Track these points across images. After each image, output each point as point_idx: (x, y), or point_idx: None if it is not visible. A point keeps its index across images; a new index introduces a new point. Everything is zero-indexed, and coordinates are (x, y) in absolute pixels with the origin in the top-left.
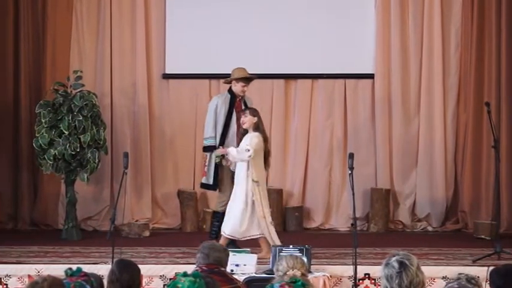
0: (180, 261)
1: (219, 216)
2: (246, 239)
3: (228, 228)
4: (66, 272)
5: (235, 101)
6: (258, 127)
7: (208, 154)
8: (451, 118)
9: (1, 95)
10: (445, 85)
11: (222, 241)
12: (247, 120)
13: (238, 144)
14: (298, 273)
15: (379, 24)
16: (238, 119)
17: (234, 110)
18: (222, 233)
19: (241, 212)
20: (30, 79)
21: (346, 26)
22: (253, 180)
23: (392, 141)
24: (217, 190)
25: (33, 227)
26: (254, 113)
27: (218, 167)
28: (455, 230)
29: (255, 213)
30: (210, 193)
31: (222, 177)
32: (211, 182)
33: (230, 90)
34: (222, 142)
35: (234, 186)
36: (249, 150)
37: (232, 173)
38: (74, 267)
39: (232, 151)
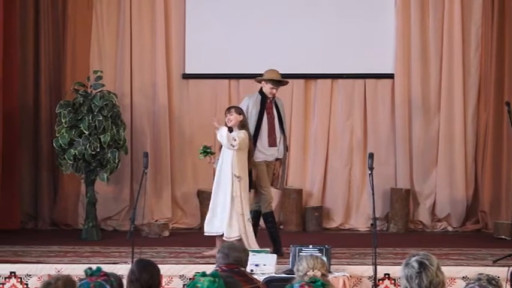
0: (199, 261)
1: (257, 216)
2: (229, 239)
3: (224, 229)
4: (85, 271)
5: (267, 102)
6: (244, 125)
7: None
8: (471, 118)
9: (22, 95)
10: (465, 85)
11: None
12: (233, 118)
13: (270, 142)
14: (318, 273)
15: (399, 23)
16: (269, 120)
17: (265, 111)
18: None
19: (229, 211)
20: (50, 79)
21: (366, 25)
22: (235, 175)
23: (412, 141)
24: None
25: (53, 226)
26: (240, 111)
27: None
28: (475, 230)
29: (235, 212)
30: None
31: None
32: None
33: (261, 91)
34: (254, 143)
35: (216, 183)
36: (235, 140)
37: (269, 169)
38: (94, 267)
39: (223, 130)
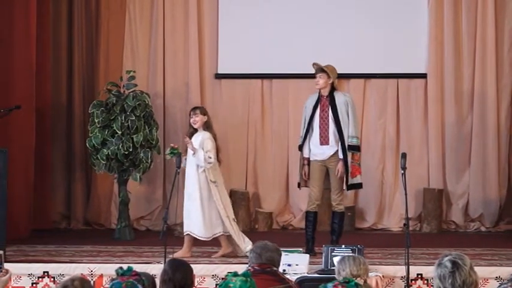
0: (232, 261)
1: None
2: (213, 237)
3: (196, 229)
4: (117, 271)
5: (321, 99)
6: (208, 126)
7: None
8: (505, 118)
9: (55, 95)
10: (499, 84)
11: (186, 240)
12: (199, 119)
13: (321, 140)
14: (361, 281)
15: (432, 23)
16: (321, 118)
17: (318, 107)
18: (189, 232)
19: (201, 212)
20: (83, 79)
21: (399, 25)
22: (210, 180)
23: (445, 141)
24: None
25: (86, 226)
26: (204, 111)
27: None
28: (508, 231)
29: (212, 210)
30: (263, 193)
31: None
32: (298, 180)
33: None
34: (305, 138)
35: (186, 186)
36: (210, 157)
37: (322, 168)
38: (125, 266)
39: (200, 154)
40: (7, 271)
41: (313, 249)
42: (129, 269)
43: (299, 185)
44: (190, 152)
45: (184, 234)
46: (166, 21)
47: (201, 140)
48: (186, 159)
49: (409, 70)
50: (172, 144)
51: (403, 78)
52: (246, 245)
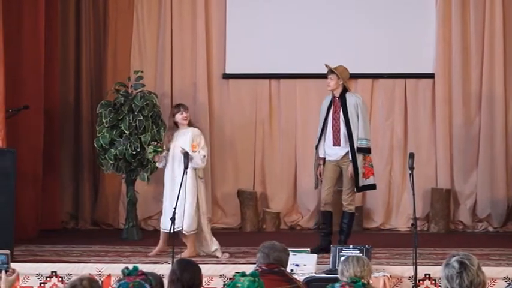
0: (240, 261)
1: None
2: (186, 234)
3: (186, 225)
4: (123, 271)
5: (334, 100)
6: (192, 122)
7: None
8: None
9: (63, 95)
10: (507, 85)
11: (190, 241)
12: (189, 116)
13: (334, 141)
14: (365, 281)
15: (440, 23)
16: (333, 118)
17: (332, 107)
18: (164, 230)
19: (194, 208)
20: (91, 79)
21: (407, 25)
22: (199, 177)
23: (453, 141)
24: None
25: (94, 226)
26: (187, 109)
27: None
28: None
29: (194, 208)
30: (270, 193)
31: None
32: (314, 181)
33: None
34: (320, 139)
35: (172, 182)
36: (205, 156)
37: (336, 168)
38: (131, 266)
39: (197, 157)
40: (14, 271)
41: (321, 249)
42: (135, 268)
43: (316, 186)
44: (174, 153)
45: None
46: (174, 21)
47: (192, 136)
48: (166, 157)
49: (416, 70)
50: (154, 143)
51: (410, 79)
52: (214, 246)
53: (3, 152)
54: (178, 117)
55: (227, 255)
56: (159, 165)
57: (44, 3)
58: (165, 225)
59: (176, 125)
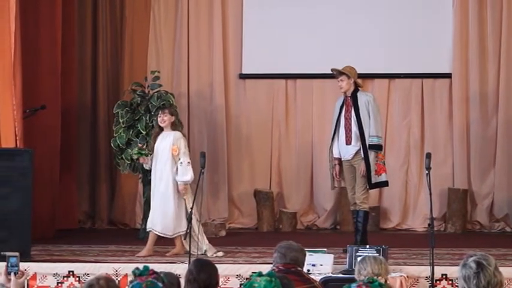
0: (256, 261)
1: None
2: (175, 235)
3: (160, 226)
4: (134, 272)
5: (346, 99)
6: (175, 124)
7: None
8: None
9: (80, 95)
10: None
11: (150, 238)
12: (167, 119)
13: (346, 140)
14: (382, 280)
15: (457, 23)
16: (345, 118)
17: (344, 107)
18: (150, 229)
19: (173, 209)
20: (108, 79)
21: (424, 25)
22: None
23: (470, 141)
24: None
25: (111, 226)
26: (172, 111)
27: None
28: None
29: (182, 209)
30: (287, 193)
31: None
32: (330, 181)
33: None
34: (333, 139)
35: (157, 183)
36: (188, 163)
37: (351, 168)
38: (141, 266)
39: (181, 180)
40: (23, 273)
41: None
42: (146, 268)
43: (332, 187)
44: (160, 154)
45: (148, 230)
46: (191, 22)
47: (173, 139)
48: (151, 159)
49: (433, 70)
50: (139, 145)
51: (427, 78)
52: (204, 246)
53: (20, 152)
54: (158, 120)
55: (220, 253)
56: (146, 166)
57: (61, 3)
58: (151, 224)
59: (161, 128)
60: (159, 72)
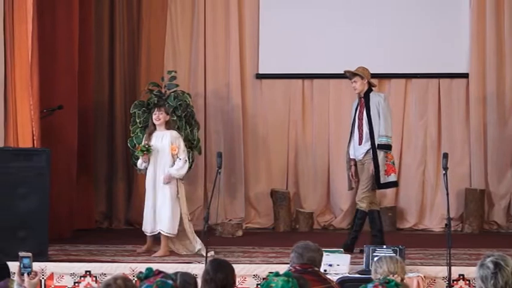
0: (273, 261)
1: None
2: (166, 235)
3: (166, 226)
4: (139, 276)
5: (360, 100)
6: (170, 126)
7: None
8: None
9: (97, 95)
10: None
11: (163, 241)
12: (162, 117)
13: (359, 140)
14: (398, 278)
15: (474, 23)
16: (358, 117)
17: (358, 108)
18: (160, 231)
19: (175, 209)
20: (125, 79)
21: (441, 25)
22: (180, 178)
23: (487, 141)
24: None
25: (127, 226)
26: (168, 111)
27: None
28: None
29: (176, 208)
30: (303, 193)
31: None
32: (347, 182)
33: None
34: (350, 140)
35: (157, 184)
36: (186, 161)
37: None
38: (142, 268)
39: (173, 173)
40: (36, 273)
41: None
42: (150, 269)
43: (349, 187)
44: (157, 155)
45: (153, 233)
46: (207, 22)
47: (170, 139)
48: (145, 161)
49: (450, 70)
50: (146, 141)
51: (444, 78)
52: (197, 245)
53: (38, 152)
54: (152, 117)
55: (212, 253)
56: (142, 165)
57: (78, 3)
58: (145, 227)
59: (155, 127)
60: (175, 72)
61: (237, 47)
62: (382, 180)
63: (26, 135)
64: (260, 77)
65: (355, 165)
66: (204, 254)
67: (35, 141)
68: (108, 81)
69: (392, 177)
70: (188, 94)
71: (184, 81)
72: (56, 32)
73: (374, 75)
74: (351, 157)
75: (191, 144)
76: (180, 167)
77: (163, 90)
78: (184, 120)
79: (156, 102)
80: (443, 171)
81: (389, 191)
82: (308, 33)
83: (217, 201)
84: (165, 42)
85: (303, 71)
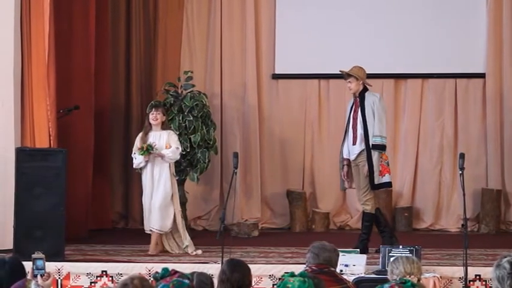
0: (289, 261)
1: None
2: (159, 232)
3: (158, 224)
4: (155, 277)
5: (355, 100)
6: (165, 125)
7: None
8: None
9: (114, 96)
10: None
11: (153, 238)
12: (160, 117)
13: (353, 140)
14: (415, 279)
15: (491, 22)
16: (353, 117)
17: (353, 108)
18: (150, 230)
19: (170, 208)
20: (141, 80)
21: (457, 24)
22: (173, 174)
23: (503, 141)
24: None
25: (143, 226)
26: (164, 111)
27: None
28: None
29: (171, 208)
30: (319, 193)
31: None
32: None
33: None
34: (344, 140)
35: (156, 184)
36: (178, 148)
37: (356, 168)
38: (158, 269)
39: (168, 153)
40: (49, 274)
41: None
42: (166, 269)
43: (341, 187)
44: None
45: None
46: (224, 22)
47: (167, 137)
48: (147, 160)
49: (467, 70)
50: (149, 142)
51: (461, 78)
52: (186, 242)
53: (54, 152)
54: (150, 117)
55: (199, 251)
56: (140, 165)
57: (95, 3)
58: (145, 227)
59: (151, 126)
60: (192, 72)
61: (253, 47)
62: (376, 181)
63: (43, 136)
64: (276, 77)
65: (349, 165)
66: (190, 252)
67: (51, 142)
68: (125, 81)
69: (386, 178)
70: (204, 94)
71: (201, 82)
72: (72, 32)
73: (391, 76)
74: (345, 157)
75: (207, 145)
76: (173, 152)
77: (179, 91)
78: (200, 120)
79: (172, 102)
80: (460, 172)
81: (406, 191)
82: (324, 33)
83: (233, 201)
84: (182, 42)
85: (319, 71)
